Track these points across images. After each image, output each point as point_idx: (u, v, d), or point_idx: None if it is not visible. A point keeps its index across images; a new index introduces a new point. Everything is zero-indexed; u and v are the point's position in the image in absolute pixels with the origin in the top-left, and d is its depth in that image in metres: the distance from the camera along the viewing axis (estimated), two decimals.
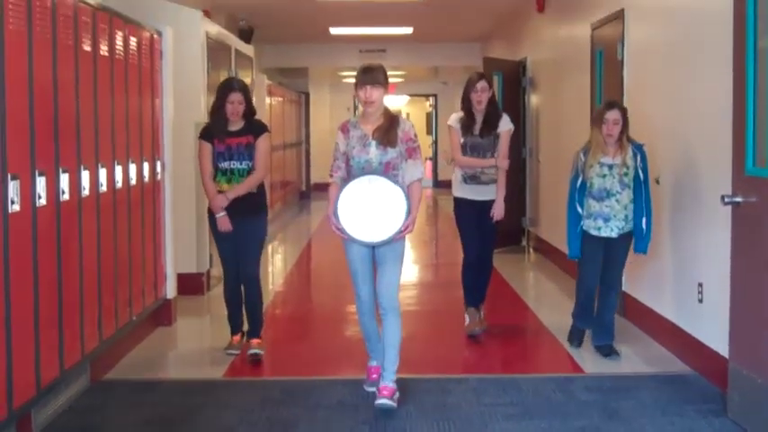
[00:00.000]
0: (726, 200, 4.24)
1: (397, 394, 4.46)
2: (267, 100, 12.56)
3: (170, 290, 6.24)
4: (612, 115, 5.24)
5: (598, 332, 5.53)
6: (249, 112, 5.40)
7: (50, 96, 4.15)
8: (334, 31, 13.35)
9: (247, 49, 10.17)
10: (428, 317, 7.07)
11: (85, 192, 4.57)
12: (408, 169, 4.58)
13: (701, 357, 5.02)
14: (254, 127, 5.42)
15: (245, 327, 5.59)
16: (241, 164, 5.33)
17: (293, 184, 16.88)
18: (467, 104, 5.91)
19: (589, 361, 5.35)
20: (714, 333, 4.78)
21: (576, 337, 5.70)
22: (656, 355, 5.48)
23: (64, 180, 4.26)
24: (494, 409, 4.45)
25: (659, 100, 5.92)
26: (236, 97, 5.30)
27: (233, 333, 5.61)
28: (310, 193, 18.78)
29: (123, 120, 5.29)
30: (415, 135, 4.65)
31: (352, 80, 19.31)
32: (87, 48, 4.66)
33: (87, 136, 4.64)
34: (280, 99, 14.62)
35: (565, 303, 7.29)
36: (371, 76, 4.58)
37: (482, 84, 5.86)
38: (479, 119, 5.90)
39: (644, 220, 5.25)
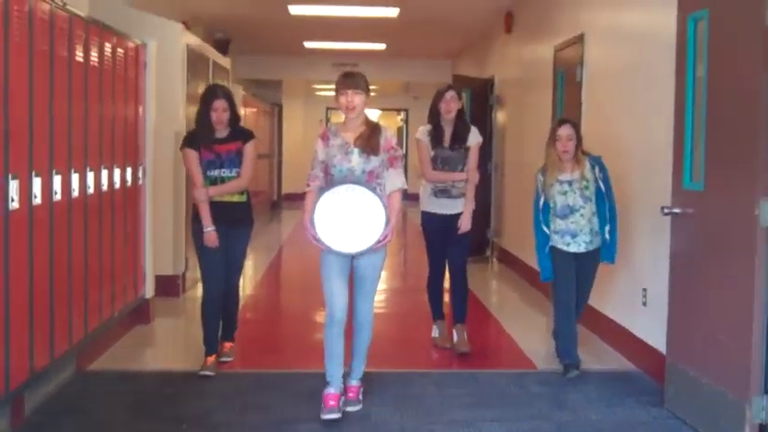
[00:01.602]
0: (665, 211, 4.66)
1: (362, 390, 4.68)
2: (242, 111, 12.86)
3: (148, 290, 6.54)
4: (565, 131, 5.30)
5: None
6: (234, 119, 5.33)
7: (47, 103, 4.47)
8: (308, 44, 13.73)
9: (224, 61, 10.50)
10: (395, 319, 7.42)
11: (75, 193, 4.88)
12: (390, 178, 4.54)
13: (645, 356, 5.43)
14: (242, 133, 5.36)
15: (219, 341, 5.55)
16: (231, 171, 5.27)
17: (265, 193, 17.15)
18: (435, 117, 5.84)
19: (542, 359, 5.74)
20: (656, 334, 5.17)
21: (572, 368, 5.33)
22: (603, 354, 5.88)
23: (57, 182, 4.58)
24: (453, 400, 4.83)
25: (612, 120, 6.35)
26: (220, 104, 5.22)
27: (208, 353, 5.36)
28: (282, 202, 19.07)
29: (110, 126, 5.61)
30: (397, 144, 4.62)
31: (325, 93, 19.50)
32: (80, 59, 4.99)
33: (77, 141, 4.95)
34: (254, 110, 14.92)
35: (524, 309, 7.77)
36: (353, 81, 4.51)
37: (451, 93, 5.81)
38: (448, 131, 5.84)
39: (606, 228, 5.28)
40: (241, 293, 8.18)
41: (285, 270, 10.94)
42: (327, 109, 21.70)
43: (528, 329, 6.76)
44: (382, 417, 4.49)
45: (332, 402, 4.43)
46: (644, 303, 5.52)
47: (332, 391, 4.48)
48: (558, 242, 5.36)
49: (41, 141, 4.39)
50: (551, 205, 5.36)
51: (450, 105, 5.79)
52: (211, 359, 5.34)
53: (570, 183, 5.32)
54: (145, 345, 6.21)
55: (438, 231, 5.91)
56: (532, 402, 4.81)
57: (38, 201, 4.30)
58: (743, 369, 3.97)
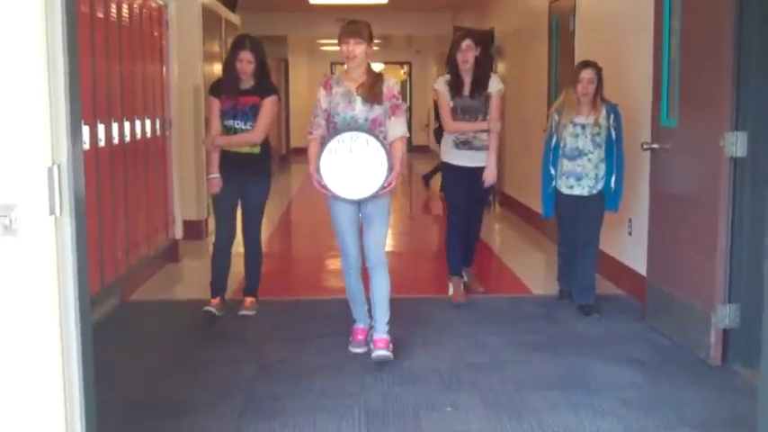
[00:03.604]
0: (644, 146, 5.20)
1: (391, 346, 4.60)
2: None
3: (177, 231, 7.13)
4: (587, 74, 5.33)
5: (579, 292, 5.58)
6: (262, 72, 5.33)
7: (89, 61, 5.00)
8: (313, 1, 14.13)
9: (235, 18, 10.95)
10: (403, 256, 8.04)
11: (115, 141, 5.44)
12: (392, 127, 4.58)
13: (631, 281, 6.00)
14: (263, 88, 5.32)
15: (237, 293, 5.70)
16: (245, 125, 5.26)
17: (273, 148, 17.64)
18: (453, 67, 5.71)
19: (538, 286, 6.34)
20: (640, 259, 5.72)
21: (566, 296, 5.75)
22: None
23: (100, 130, 5.13)
24: (458, 318, 5.46)
25: (602, 65, 6.82)
26: (245, 56, 5.22)
27: (212, 296, 5.47)
28: (290, 156, 19.59)
29: (140, 81, 6.14)
30: (399, 92, 4.68)
31: (330, 48, 19.66)
32: (113, 19, 5.50)
33: (114, 94, 5.49)
34: None
35: (523, 246, 8.36)
36: (355, 29, 4.54)
37: (467, 42, 5.65)
38: (467, 80, 5.69)
39: (613, 178, 5.36)
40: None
41: (296, 219, 11.51)
42: (332, 64, 22.09)
43: (526, 263, 7.38)
44: (397, 332, 5.00)
45: (360, 337, 4.76)
46: (629, 233, 6.09)
47: (360, 326, 4.80)
48: (562, 185, 5.45)
49: (86, 95, 4.92)
50: (561, 145, 5.43)
51: (467, 54, 5.64)
52: (215, 301, 5.44)
53: (584, 126, 5.38)
54: (176, 280, 6.83)
55: (460, 184, 5.78)
56: (527, 319, 5.42)
57: (86, 146, 4.85)
58: (709, 282, 4.55)
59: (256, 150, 5.38)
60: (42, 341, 2.23)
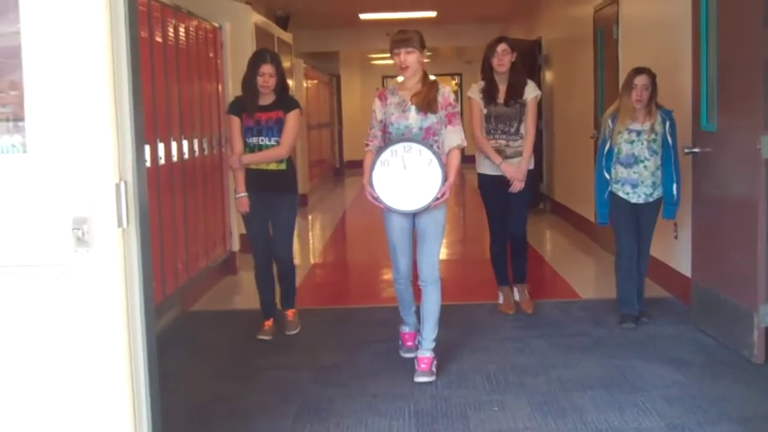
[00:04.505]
0: (686, 150, 5.29)
1: (435, 362, 4.57)
2: (304, 83, 13.69)
3: (234, 244, 7.40)
4: (641, 80, 5.25)
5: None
6: (282, 86, 5.22)
7: (149, 84, 5.28)
8: (363, 16, 14.40)
9: (287, 37, 11.28)
10: (455, 263, 8.21)
11: (174, 159, 5.72)
12: (448, 135, 4.50)
13: (678, 283, 6.07)
14: (285, 102, 5.23)
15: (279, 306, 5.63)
16: (270, 140, 5.17)
17: (328, 161, 17.99)
18: (488, 72, 5.54)
19: (586, 291, 6.44)
20: (687, 262, 5.79)
21: (629, 320, 5.41)
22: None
23: (160, 149, 5.41)
24: (505, 323, 5.60)
25: None
26: (267, 69, 5.10)
27: (265, 318, 5.46)
28: (343, 169, 19.87)
29: (198, 101, 6.42)
30: (455, 100, 4.57)
31: (381, 62, 20.05)
32: (171, 43, 5.79)
33: (173, 114, 5.77)
34: (315, 82, 15.72)
35: (573, 252, 8.46)
36: (406, 40, 4.46)
37: (503, 46, 5.46)
38: (502, 86, 5.52)
39: (674, 186, 5.29)
40: (311, 248, 9.09)
41: (350, 230, 11.76)
42: (383, 78, 22.35)
43: (576, 268, 7.48)
44: (447, 336, 5.10)
45: (409, 342, 4.87)
46: (675, 237, 6.16)
47: (407, 330, 4.90)
48: (619, 190, 5.37)
49: (147, 115, 5.20)
50: (616, 152, 5.34)
51: (503, 59, 5.46)
52: (269, 323, 5.43)
53: (639, 133, 5.30)
54: (234, 291, 7.08)
55: (495, 194, 5.66)
56: (574, 323, 5.54)
57: (147, 164, 5.12)
58: (751, 282, 4.62)
59: (284, 166, 5.28)
60: (112, 345, 2.45)
